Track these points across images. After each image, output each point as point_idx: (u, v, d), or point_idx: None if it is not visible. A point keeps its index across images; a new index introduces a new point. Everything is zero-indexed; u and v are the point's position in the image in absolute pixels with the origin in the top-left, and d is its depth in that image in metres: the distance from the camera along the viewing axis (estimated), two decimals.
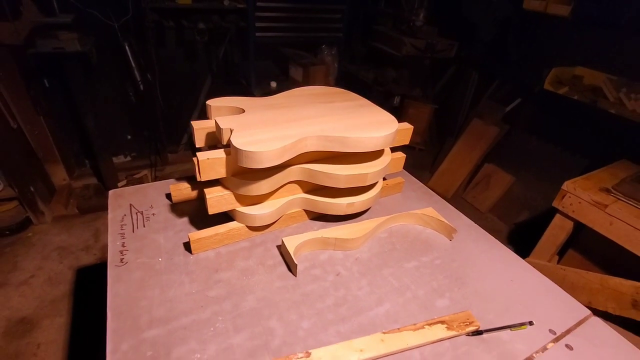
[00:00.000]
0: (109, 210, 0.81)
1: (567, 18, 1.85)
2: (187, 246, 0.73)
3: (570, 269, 1.42)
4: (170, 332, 0.56)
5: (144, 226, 0.78)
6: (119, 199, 0.86)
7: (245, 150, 0.60)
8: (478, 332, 0.61)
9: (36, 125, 2.02)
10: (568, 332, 0.64)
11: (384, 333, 0.58)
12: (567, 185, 1.38)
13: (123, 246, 0.72)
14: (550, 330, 0.64)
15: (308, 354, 0.54)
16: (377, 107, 0.86)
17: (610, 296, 1.30)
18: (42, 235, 1.93)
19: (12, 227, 1.90)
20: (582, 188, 1.34)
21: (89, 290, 1.65)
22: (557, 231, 1.46)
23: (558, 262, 1.63)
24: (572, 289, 1.40)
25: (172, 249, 0.73)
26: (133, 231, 0.76)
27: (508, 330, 0.63)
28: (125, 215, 0.81)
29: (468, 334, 0.61)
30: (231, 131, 0.66)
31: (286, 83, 2.32)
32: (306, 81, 2.26)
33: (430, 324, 0.60)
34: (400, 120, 0.83)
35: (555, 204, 1.43)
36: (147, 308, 0.60)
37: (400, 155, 0.93)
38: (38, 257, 1.77)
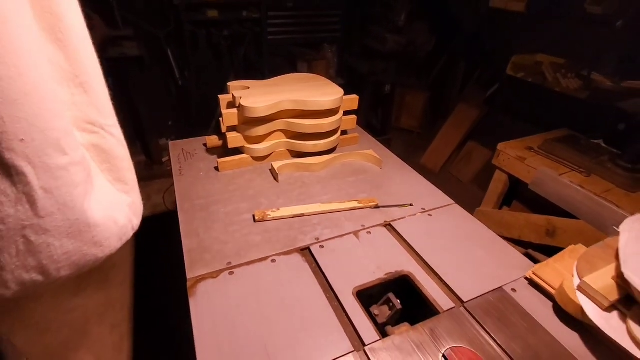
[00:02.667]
0: (170, 151, 1.34)
1: (523, 13, 2.22)
2: (217, 168, 1.24)
3: (506, 211, 1.82)
4: (209, 202, 1.07)
5: (191, 159, 1.30)
6: (176, 146, 1.39)
7: (246, 106, 1.10)
8: (376, 207, 1.08)
9: None
10: (433, 209, 1.09)
11: (322, 203, 1.06)
12: (500, 146, 1.78)
13: (180, 167, 1.24)
14: (422, 208, 1.09)
15: (278, 209, 1.03)
16: (335, 85, 1.33)
17: (532, 229, 1.69)
18: None
19: None
20: (510, 147, 1.74)
21: (144, 234, 2.23)
22: (497, 183, 1.86)
23: None
24: (508, 226, 1.80)
25: (207, 169, 1.24)
26: (185, 160, 1.28)
27: (396, 208, 1.09)
28: (179, 154, 1.33)
29: (371, 207, 1.08)
30: (240, 97, 1.16)
31: None
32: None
33: (349, 201, 1.08)
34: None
35: (493, 161, 1.83)
36: (196, 192, 1.11)
37: (352, 117, 1.40)
38: None
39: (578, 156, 1.60)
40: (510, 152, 1.73)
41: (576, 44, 2.04)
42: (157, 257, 2.01)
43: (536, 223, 1.67)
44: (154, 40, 2.49)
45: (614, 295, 0.70)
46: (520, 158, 1.68)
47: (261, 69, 2.77)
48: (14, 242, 0.44)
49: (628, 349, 0.66)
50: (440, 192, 1.18)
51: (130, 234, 0.60)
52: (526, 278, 0.86)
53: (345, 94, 1.30)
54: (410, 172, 1.29)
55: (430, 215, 1.07)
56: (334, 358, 0.67)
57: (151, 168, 2.79)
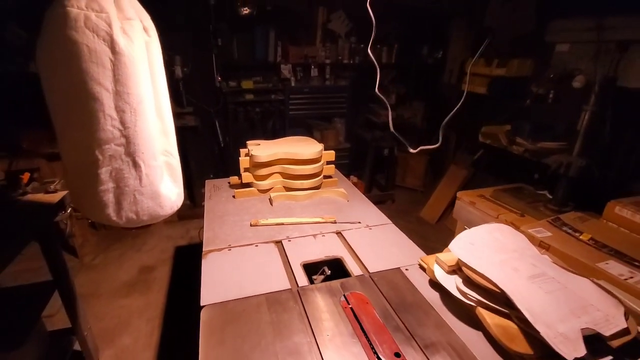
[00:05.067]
0: (205, 185, 1.97)
1: (486, 94, 2.79)
2: (234, 197, 1.82)
3: None
4: (224, 214, 1.64)
5: (218, 190, 1.91)
6: (210, 183, 2.02)
7: (254, 155, 1.72)
8: (334, 222, 1.57)
9: None
10: (375, 226, 1.56)
11: (296, 217, 1.58)
12: (459, 194, 2.21)
13: (210, 195, 1.85)
14: (367, 225, 1.56)
15: (267, 219, 1.56)
16: (318, 143, 1.93)
17: None
18: (158, 229, 3.21)
19: None
20: (466, 195, 2.17)
21: (182, 257, 2.80)
22: (460, 226, 2.24)
23: None
24: None
25: (227, 197, 1.83)
26: (214, 191, 1.89)
27: (348, 223, 1.57)
28: (211, 187, 1.95)
29: (330, 222, 1.57)
30: (251, 149, 1.78)
31: None
32: (323, 140, 3.42)
33: (315, 217, 1.58)
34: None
35: (455, 207, 2.25)
36: (217, 209, 1.69)
37: (331, 165, 1.96)
38: (156, 239, 3.02)
39: (516, 201, 1.99)
40: (465, 198, 2.15)
41: (522, 115, 2.54)
42: (188, 276, 2.55)
43: None
44: (206, 114, 3.36)
45: (452, 262, 1.12)
46: (471, 203, 2.10)
47: (284, 136, 3.51)
48: (129, 196, 1.03)
49: (457, 295, 1.06)
50: (384, 216, 1.65)
51: (175, 208, 1.16)
52: (419, 264, 1.28)
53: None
54: (368, 204, 1.78)
55: (370, 229, 1.54)
56: (278, 290, 1.13)
57: (193, 210, 3.46)
